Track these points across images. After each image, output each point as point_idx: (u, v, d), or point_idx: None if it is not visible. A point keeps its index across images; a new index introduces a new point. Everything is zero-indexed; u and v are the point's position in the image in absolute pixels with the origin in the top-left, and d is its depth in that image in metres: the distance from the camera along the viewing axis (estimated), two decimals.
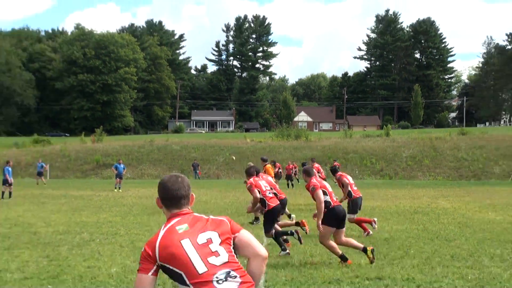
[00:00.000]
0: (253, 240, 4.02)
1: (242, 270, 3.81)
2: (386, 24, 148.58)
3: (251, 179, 12.88)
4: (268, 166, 20.77)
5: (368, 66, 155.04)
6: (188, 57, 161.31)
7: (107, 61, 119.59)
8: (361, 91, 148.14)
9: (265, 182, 12.99)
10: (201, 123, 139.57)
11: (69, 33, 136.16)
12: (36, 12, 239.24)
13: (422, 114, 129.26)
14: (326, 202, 10.78)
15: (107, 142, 73.01)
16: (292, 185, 40.03)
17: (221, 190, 36.23)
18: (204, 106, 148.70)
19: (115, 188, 35.61)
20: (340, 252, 10.87)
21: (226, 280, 3.68)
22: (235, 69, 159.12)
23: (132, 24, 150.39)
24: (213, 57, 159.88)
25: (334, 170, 16.47)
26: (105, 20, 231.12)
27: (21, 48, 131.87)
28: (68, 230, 15.94)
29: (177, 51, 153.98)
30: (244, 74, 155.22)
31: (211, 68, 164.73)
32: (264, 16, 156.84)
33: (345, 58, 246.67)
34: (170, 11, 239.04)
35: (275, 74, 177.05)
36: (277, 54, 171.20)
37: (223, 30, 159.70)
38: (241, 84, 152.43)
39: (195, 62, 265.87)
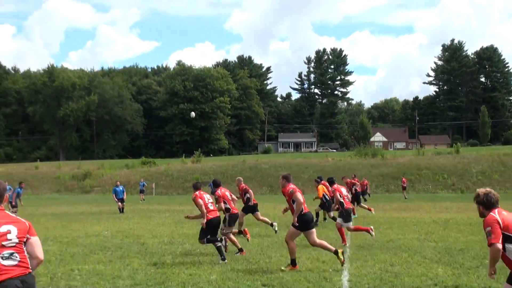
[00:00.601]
0: (39, 245, 5.13)
1: (24, 255, 4.95)
2: (452, 52, 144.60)
3: (197, 192, 12.82)
4: (320, 186, 20.25)
5: (437, 90, 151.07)
6: (275, 87, 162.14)
7: (204, 92, 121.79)
8: (431, 113, 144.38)
9: (208, 196, 12.97)
10: (287, 145, 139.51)
11: (172, 69, 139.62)
12: (143, 52, 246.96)
13: (490, 133, 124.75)
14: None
15: (205, 162, 73.86)
16: (365, 199, 38.97)
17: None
18: (289, 129, 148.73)
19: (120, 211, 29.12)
20: (295, 256, 11.14)
21: (8, 258, 4.80)
22: (316, 96, 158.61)
23: (226, 60, 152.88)
24: (297, 86, 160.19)
25: (331, 182, 16.31)
26: (203, 57, 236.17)
27: (131, 83, 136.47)
28: (172, 241, 16.02)
29: (265, 82, 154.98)
30: (324, 100, 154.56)
31: (295, 95, 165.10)
32: (341, 49, 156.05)
33: (415, 84, 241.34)
34: (258, 47, 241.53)
35: (352, 99, 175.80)
36: (353, 82, 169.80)
37: (305, 62, 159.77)
38: (321, 109, 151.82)
39: (281, 91, 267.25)
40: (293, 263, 11.05)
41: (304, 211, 11.08)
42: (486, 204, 6.29)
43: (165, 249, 14.19)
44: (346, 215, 14.72)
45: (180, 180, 64.57)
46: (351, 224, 14.78)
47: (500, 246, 5.88)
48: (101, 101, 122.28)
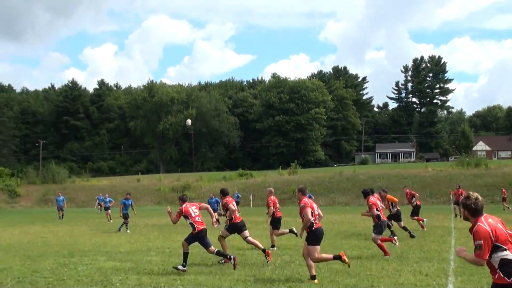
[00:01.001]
0: None
1: None
2: None
3: (183, 206, 13.36)
4: (388, 196, 20.78)
5: None
6: (371, 97, 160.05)
7: (299, 103, 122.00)
8: None
9: (195, 208, 13.35)
10: (384, 155, 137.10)
11: (267, 82, 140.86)
12: (239, 66, 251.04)
13: None
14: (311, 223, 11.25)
15: (301, 174, 73.88)
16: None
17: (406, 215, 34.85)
18: (386, 139, 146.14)
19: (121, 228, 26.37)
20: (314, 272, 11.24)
21: None
22: (414, 105, 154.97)
23: (321, 71, 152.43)
24: (393, 95, 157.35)
25: (365, 193, 16.28)
26: (297, 69, 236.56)
27: (227, 96, 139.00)
28: (271, 253, 16.08)
29: (361, 92, 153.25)
30: (423, 109, 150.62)
31: (392, 105, 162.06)
32: (439, 56, 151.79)
33: None
34: (354, 57, 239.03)
35: (452, 107, 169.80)
36: (453, 90, 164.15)
37: (402, 71, 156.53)
38: (420, 118, 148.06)
39: (377, 101, 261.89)
40: (313, 277, 11.14)
41: (315, 226, 11.29)
42: (473, 210, 6.31)
43: (264, 261, 14.27)
44: (380, 227, 15.09)
45: (277, 192, 64.52)
46: (378, 237, 15.02)
47: (486, 260, 6.07)
48: (198, 114, 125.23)
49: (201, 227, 13.00)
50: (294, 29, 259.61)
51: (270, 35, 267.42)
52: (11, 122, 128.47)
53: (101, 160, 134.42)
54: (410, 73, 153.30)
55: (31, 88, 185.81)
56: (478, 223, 6.14)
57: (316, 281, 10.94)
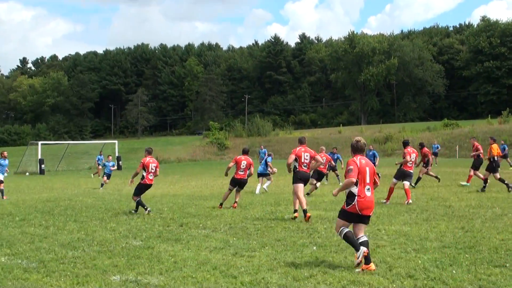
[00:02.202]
0: None
1: None
2: None
3: (145, 158, 16.16)
4: (494, 145, 20.58)
5: None
6: None
7: None
8: None
9: (154, 166, 16.07)
10: None
11: (475, 26, 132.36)
12: (445, 10, 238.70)
13: None
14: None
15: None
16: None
17: None
18: None
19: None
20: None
21: None
22: None
23: None
24: None
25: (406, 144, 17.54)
26: (510, 10, 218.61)
27: (431, 44, 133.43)
28: (480, 205, 15.41)
29: None
30: None
31: None
32: None
33: None
34: None
35: None
36: None
37: None
38: None
39: None
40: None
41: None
42: (353, 149, 8.57)
43: (473, 213, 13.69)
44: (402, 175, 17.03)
45: (486, 142, 61.06)
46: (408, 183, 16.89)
47: (354, 180, 8.10)
48: (401, 64, 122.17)
49: (148, 182, 16.01)
50: None
51: None
52: (219, 79, 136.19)
53: (303, 113, 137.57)
54: None
55: (237, 45, 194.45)
56: (353, 158, 8.37)
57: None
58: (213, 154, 77.39)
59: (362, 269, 7.86)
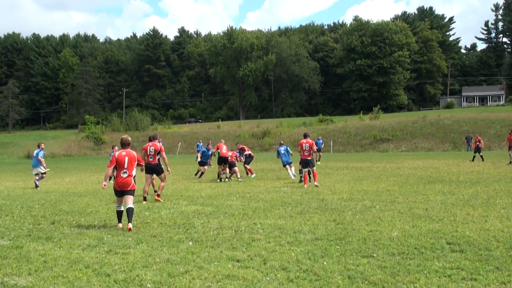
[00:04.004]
0: None
1: None
2: None
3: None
4: None
5: None
6: (458, 38, 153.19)
7: (382, 46, 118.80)
8: None
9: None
10: (471, 99, 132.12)
11: (348, 25, 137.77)
12: (321, 9, 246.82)
13: None
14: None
15: (383, 119, 72.74)
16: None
17: (493, 161, 33.81)
18: (474, 82, 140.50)
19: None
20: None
21: None
22: (505, 46, 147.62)
23: (405, 12, 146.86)
24: (482, 36, 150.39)
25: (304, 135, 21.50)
26: (381, 10, 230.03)
27: (307, 41, 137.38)
28: (351, 198, 16.03)
29: (447, 33, 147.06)
30: None
31: (481, 46, 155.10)
32: None
33: None
34: None
35: None
36: None
37: (492, 10, 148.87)
38: (511, 60, 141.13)
39: (465, 42, 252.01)
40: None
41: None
42: (121, 144, 11.40)
43: (344, 206, 14.24)
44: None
45: (358, 137, 64.25)
46: None
47: (111, 170, 11.97)
48: (278, 60, 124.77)
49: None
50: None
51: None
52: (95, 71, 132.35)
53: (182, 107, 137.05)
54: (501, 11, 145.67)
55: (114, 37, 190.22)
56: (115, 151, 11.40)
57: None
58: (89, 149, 75.24)
59: None
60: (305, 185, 19.93)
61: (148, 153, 16.80)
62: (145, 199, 16.49)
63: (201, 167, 26.55)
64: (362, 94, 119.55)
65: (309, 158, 20.28)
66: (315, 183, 19.94)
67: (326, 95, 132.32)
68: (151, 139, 17.20)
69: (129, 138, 12.30)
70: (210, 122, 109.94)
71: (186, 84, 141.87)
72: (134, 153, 12.07)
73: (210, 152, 26.56)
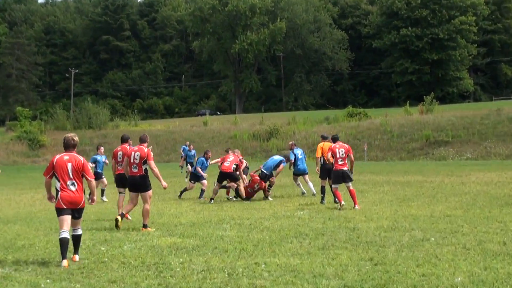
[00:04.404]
0: None
1: None
2: None
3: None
4: None
5: None
6: None
7: (436, 9, 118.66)
8: None
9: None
10: None
11: None
12: None
13: None
14: None
15: (439, 112, 72.70)
16: None
17: None
18: None
19: None
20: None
21: None
22: None
23: None
24: None
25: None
26: None
27: (331, 2, 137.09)
28: (395, 226, 15.91)
29: None
30: None
31: None
32: None
33: None
34: None
35: None
36: None
37: None
38: None
39: None
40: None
41: None
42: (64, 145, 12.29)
43: (385, 237, 14.12)
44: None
45: (403, 139, 64.28)
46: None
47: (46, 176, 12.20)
48: (290, 29, 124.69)
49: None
50: None
51: None
52: (31, 45, 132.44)
53: (154, 96, 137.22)
54: None
55: None
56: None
57: None
58: (22, 155, 75.28)
59: None
60: (342, 202, 20.23)
61: (132, 161, 16.73)
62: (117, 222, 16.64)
63: (191, 184, 26.35)
64: (409, 77, 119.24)
65: (345, 168, 20.53)
66: (356, 206, 20.14)
67: (357, 78, 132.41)
68: (140, 140, 17.24)
69: (76, 138, 12.23)
70: (193, 117, 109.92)
71: (160, 63, 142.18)
72: (82, 159, 11.99)
73: (208, 163, 26.43)
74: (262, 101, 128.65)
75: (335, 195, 20.93)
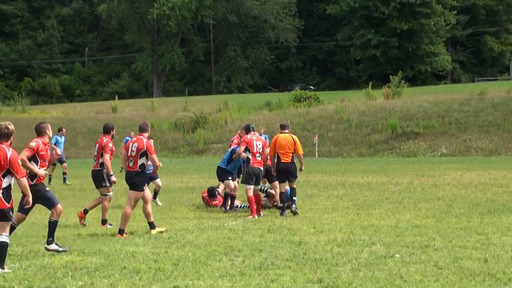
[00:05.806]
0: None
1: None
2: None
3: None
4: None
5: None
6: None
7: None
8: None
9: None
10: None
11: None
12: None
13: None
14: None
15: (409, 96, 73.30)
16: None
17: None
18: None
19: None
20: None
21: None
22: None
23: None
24: None
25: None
26: None
27: None
28: (351, 240, 16.10)
29: None
30: None
31: None
32: None
33: None
34: None
35: None
36: None
37: None
38: None
39: None
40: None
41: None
42: None
43: (338, 254, 14.25)
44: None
45: (363, 130, 64.72)
46: None
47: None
48: None
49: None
50: None
51: None
52: None
53: (48, 74, 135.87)
54: None
55: None
56: None
57: None
58: None
59: None
60: (255, 216, 20.81)
61: (129, 154, 17.47)
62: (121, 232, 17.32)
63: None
64: (372, 52, 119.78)
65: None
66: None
67: (307, 53, 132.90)
68: (140, 130, 18.04)
69: (10, 126, 12.78)
70: (100, 101, 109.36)
71: (55, 31, 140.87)
72: (8, 151, 12.04)
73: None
74: (187, 81, 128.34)
75: (249, 200, 21.10)
